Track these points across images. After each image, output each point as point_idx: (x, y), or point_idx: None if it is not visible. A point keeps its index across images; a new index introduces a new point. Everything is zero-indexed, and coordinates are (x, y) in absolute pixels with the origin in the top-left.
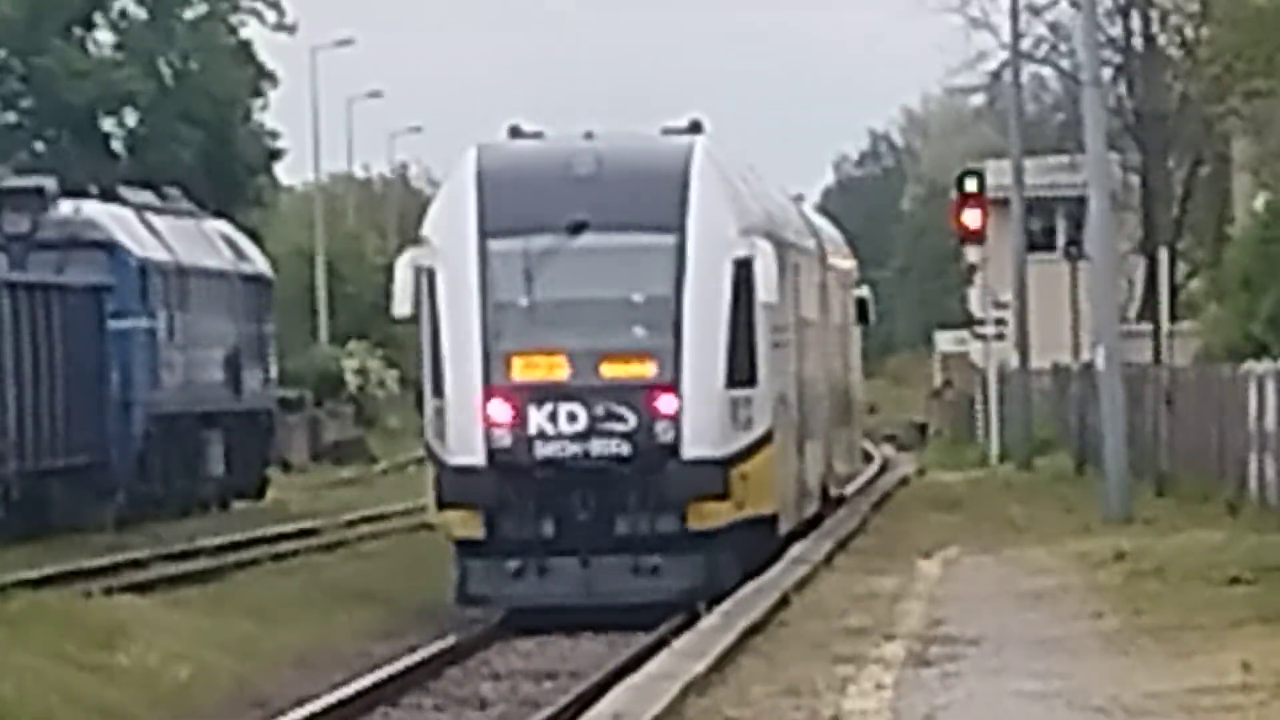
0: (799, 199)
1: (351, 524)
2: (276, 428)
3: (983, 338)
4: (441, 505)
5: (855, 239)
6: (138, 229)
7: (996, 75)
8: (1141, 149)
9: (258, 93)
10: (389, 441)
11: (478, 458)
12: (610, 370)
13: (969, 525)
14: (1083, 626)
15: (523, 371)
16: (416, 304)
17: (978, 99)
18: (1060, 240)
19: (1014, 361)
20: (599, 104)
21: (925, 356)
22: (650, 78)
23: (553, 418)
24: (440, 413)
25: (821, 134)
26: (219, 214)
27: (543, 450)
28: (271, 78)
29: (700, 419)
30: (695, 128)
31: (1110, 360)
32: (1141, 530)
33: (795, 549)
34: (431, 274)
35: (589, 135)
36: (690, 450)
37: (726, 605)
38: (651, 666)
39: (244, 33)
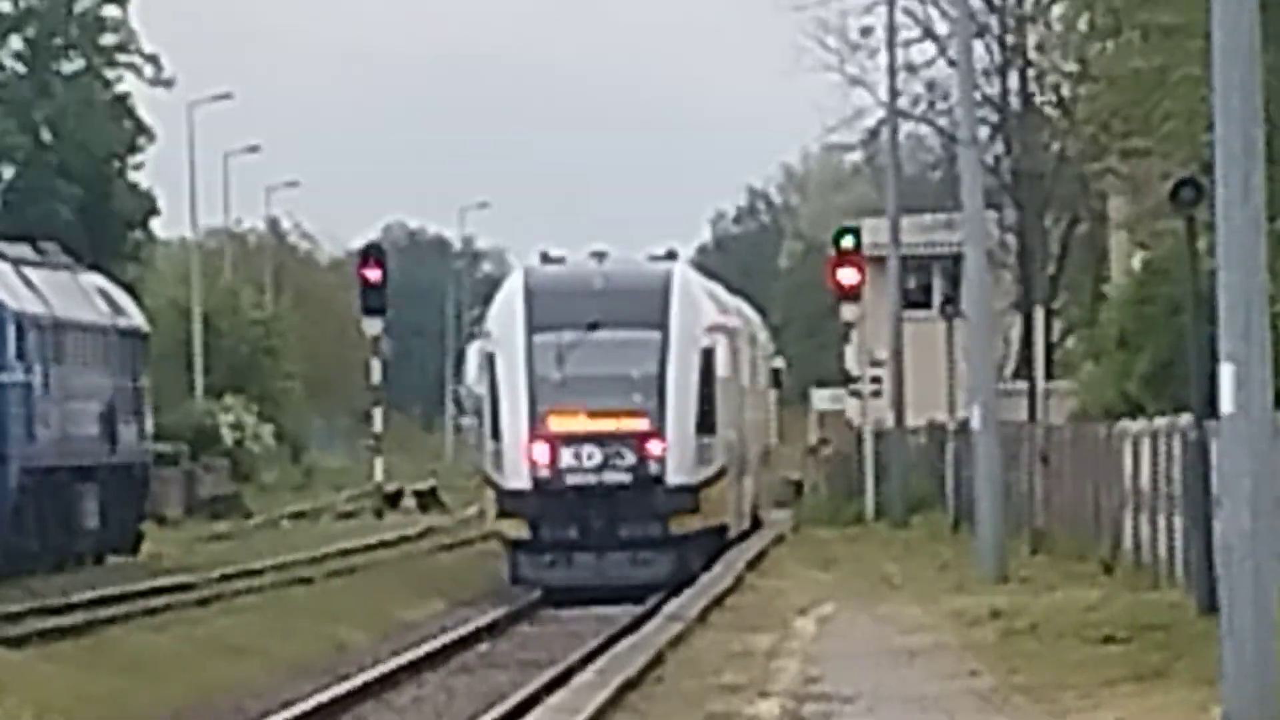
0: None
1: (226, 578)
2: (151, 482)
3: (859, 395)
4: (499, 515)
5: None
6: (13, 282)
7: (874, 133)
8: (1018, 207)
9: (135, 148)
10: (264, 496)
11: (525, 483)
12: (616, 424)
13: (845, 582)
14: (958, 685)
15: (556, 424)
16: (480, 377)
17: (855, 156)
18: (936, 298)
19: (890, 419)
20: (475, 166)
21: (801, 414)
22: (530, 133)
23: (577, 456)
24: (498, 452)
25: (699, 191)
26: (95, 268)
27: (570, 479)
28: (149, 133)
29: (678, 457)
30: (672, 255)
31: (986, 418)
32: (1017, 588)
33: (671, 605)
34: (492, 356)
35: (600, 259)
36: (672, 479)
37: (601, 662)
38: None
39: (121, 88)
